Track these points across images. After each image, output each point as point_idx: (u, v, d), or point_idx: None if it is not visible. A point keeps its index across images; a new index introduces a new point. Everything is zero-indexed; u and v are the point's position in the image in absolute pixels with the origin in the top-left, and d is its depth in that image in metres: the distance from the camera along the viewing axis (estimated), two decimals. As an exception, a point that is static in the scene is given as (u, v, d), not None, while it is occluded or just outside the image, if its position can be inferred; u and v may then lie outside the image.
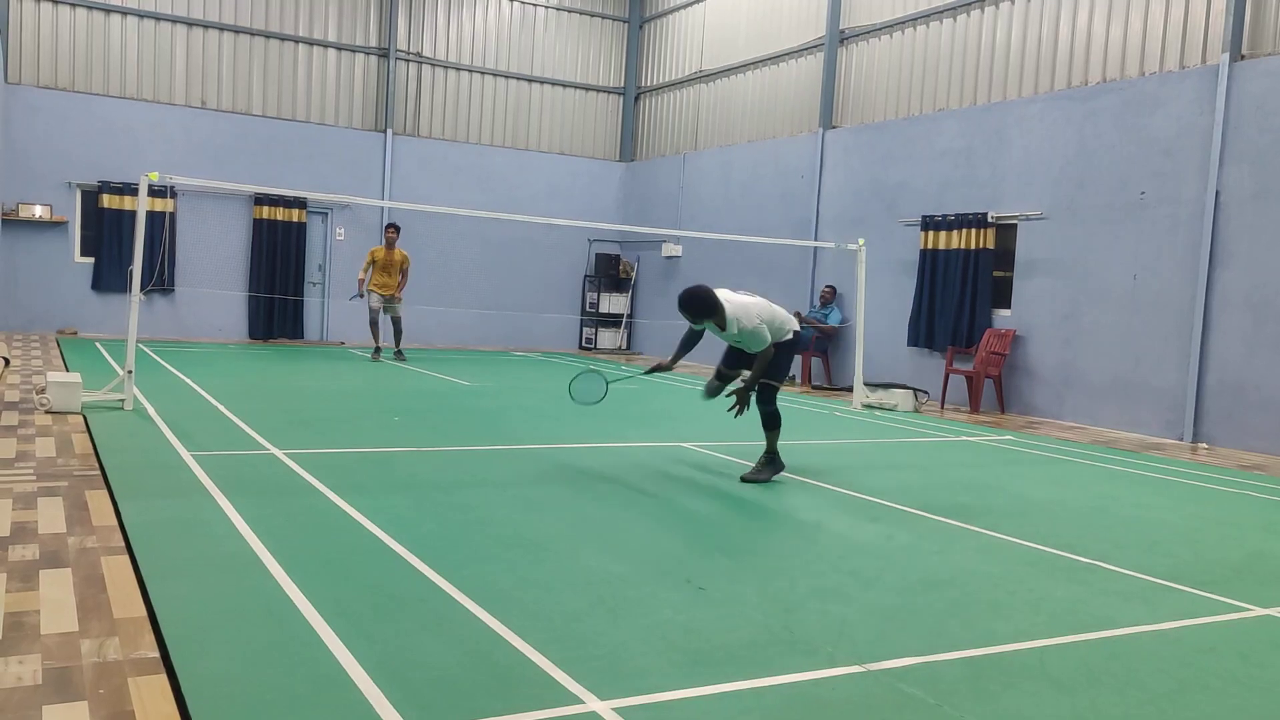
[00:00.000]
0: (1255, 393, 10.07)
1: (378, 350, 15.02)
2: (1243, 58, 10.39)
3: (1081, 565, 5.08)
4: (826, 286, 15.21)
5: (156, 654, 3.22)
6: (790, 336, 7.09)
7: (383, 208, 18.29)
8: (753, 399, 6.91)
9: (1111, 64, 11.71)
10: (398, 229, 14.89)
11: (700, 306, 6.65)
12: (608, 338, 20.26)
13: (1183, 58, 11.00)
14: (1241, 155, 10.26)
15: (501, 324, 19.43)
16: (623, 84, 20.82)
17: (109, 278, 16.27)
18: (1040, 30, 12.56)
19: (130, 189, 16.17)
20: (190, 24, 17.06)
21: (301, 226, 17.76)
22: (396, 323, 15.08)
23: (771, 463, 6.97)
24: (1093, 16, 11.93)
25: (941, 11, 13.91)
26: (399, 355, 15.06)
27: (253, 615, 3.64)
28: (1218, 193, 10.41)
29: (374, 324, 15.05)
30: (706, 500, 6.21)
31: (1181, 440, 10.56)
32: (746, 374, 7.06)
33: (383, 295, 14.78)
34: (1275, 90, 10.03)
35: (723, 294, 6.80)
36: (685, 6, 19.33)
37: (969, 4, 13.51)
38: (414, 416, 9.46)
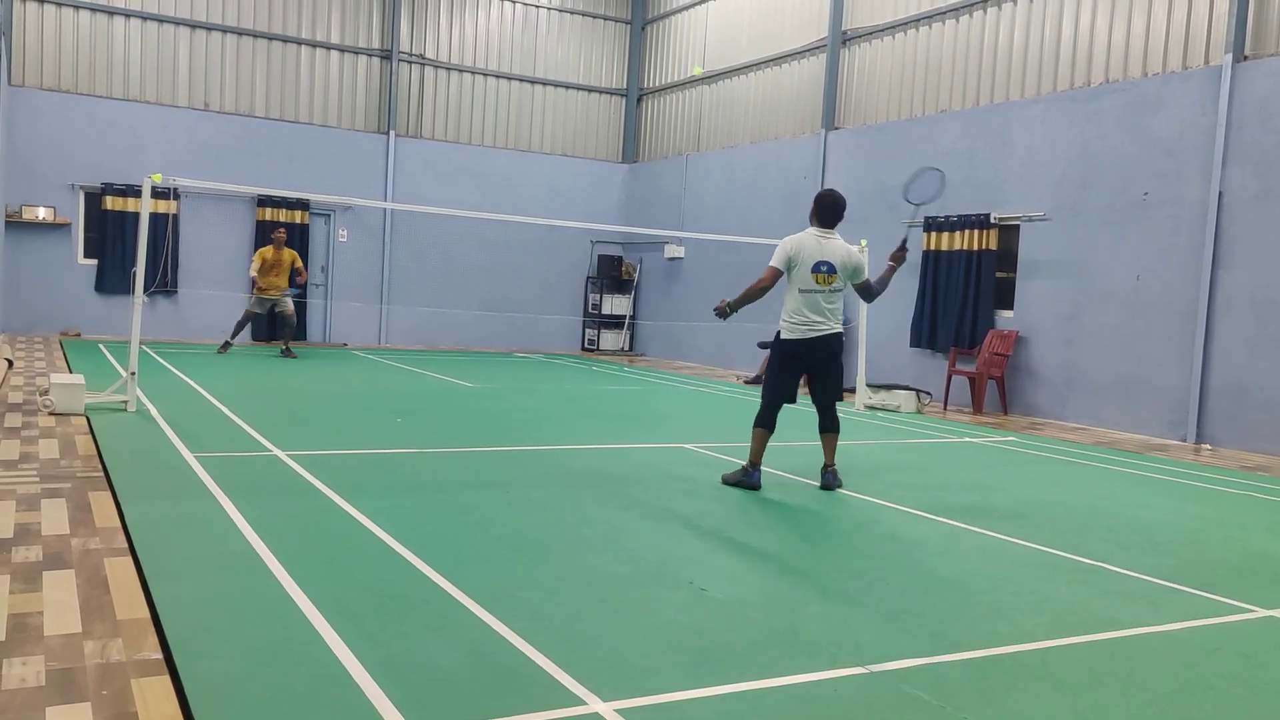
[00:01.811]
0: (1258, 393, 10.05)
1: (228, 345, 14.80)
2: (1245, 58, 10.38)
3: (1084, 566, 5.07)
4: (828, 288, 15.18)
5: (159, 655, 3.22)
6: (784, 334, 6.70)
7: (385, 209, 18.31)
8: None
9: (1114, 65, 11.70)
10: (285, 229, 15.24)
11: (818, 202, 6.89)
12: (610, 339, 20.27)
13: (1185, 58, 10.99)
14: (1244, 156, 10.25)
15: (504, 325, 19.44)
16: (625, 85, 20.82)
17: (112, 279, 16.29)
18: (1043, 31, 12.55)
19: (133, 191, 16.19)
20: (193, 26, 17.09)
21: (304, 228, 17.78)
22: (288, 320, 14.88)
23: (742, 470, 6.70)
24: (1095, 17, 11.92)
25: (944, 12, 13.91)
26: (287, 352, 14.76)
27: (255, 616, 3.65)
28: (1220, 193, 10.40)
29: (246, 321, 14.87)
30: (708, 501, 6.21)
31: (1184, 441, 10.54)
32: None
33: (268, 297, 14.66)
34: (1278, 91, 10.02)
35: (798, 235, 6.80)
36: (687, 8, 19.34)
37: (971, 5, 13.50)
38: (416, 418, 9.46)
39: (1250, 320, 10.16)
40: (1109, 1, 11.77)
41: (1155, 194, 11.04)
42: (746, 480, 6.63)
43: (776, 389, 6.76)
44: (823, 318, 6.65)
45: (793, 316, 6.66)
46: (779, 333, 6.77)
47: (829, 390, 6.84)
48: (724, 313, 6.78)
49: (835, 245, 6.78)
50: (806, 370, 6.86)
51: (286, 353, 14.76)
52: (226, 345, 14.81)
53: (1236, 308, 10.27)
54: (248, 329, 15.81)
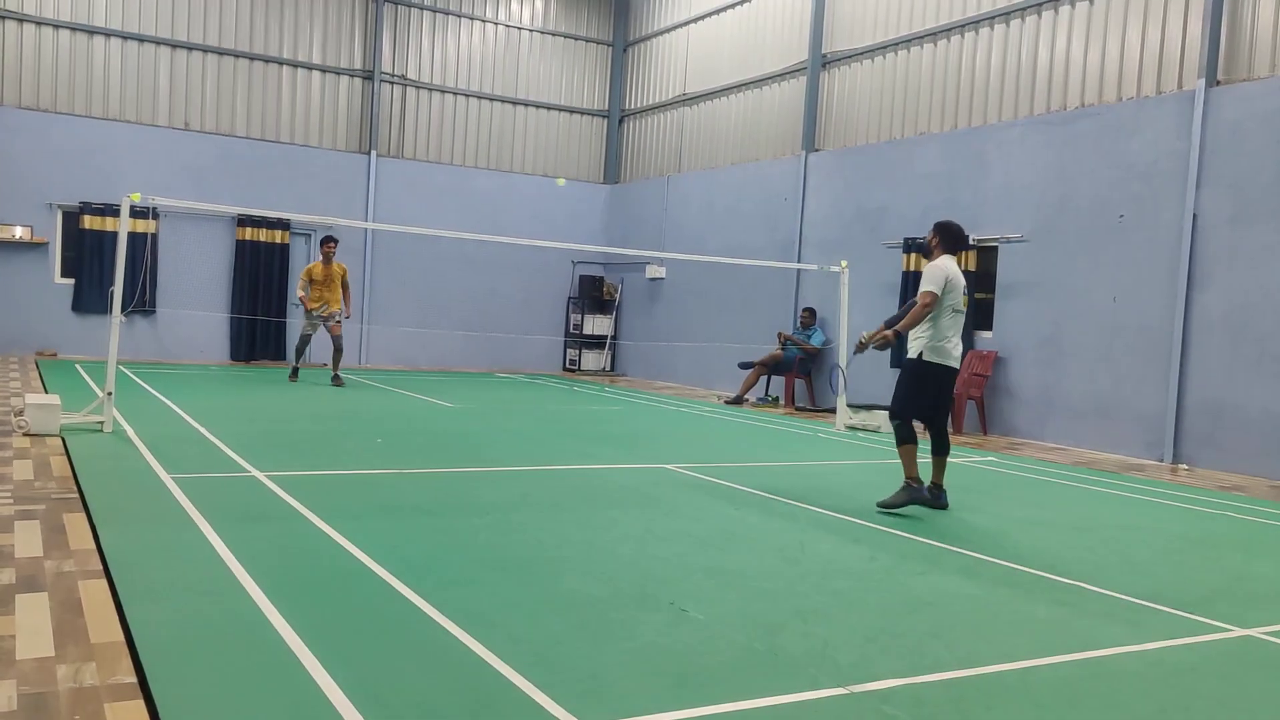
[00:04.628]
0: (1234, 413, 10.15)
1: (295, 371, 14.38)
2: (1219, 83, 10.53)
3: (1063, 586, 5.09)
4: (805, 310, 15.25)
5: (134, 679, 3.18)
6: (933, 358, 6.81)
7: (367, 229, 18.28)
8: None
9: (1090, 89, 11.85)
10: (335, 242, 14.09)
11: (938, 230, 7.06)
12: (591, 359, 20.26)
13: (1159, 83, 11.15)
14: (1218, 179, 10.38)
15: (485, 346, 19.40)
16: (607, 107, 20.92)
17: (89, 299, 16.17)
18: (1020, 55, 12.71)
19: (112, 210, 16.10)
20: (174, 45, 17.06)
21: (284, 248, 17.72)
22: (337, 343, 14.01)
23: (906, 488, 6.83)
24: (1071, 42, 12.08)
25: (923, 36, 14.06)
26: (337, 380, 13.92)
27: (232, 639, 3.61)
28: (1195, 216, 10.53)
29: (304, 344, 14.28)
30: (688, 522, 6.21)
31: (1162, 461, 10.62)
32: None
33: (320, 314, 13.88)
34: (1251, 115, 10.17)
35: (944, 260, 6.92)
36: (669, 30, 19.47)
37: (950, 29, 13.66)
38: (396, 438, 9.42)
39: (1225, 341, 10.27)
40: (1084, 27, 11.93)
41: (1131, 216, 11.17)
42: (916, 497, 6.82)
43: (917, 409, 6.98)
44: (960, 342, 6.99)
45: (945, 337, 6.84)
46: (920, 355, 6.88)
47: (946, 412, 7.18)
48: (883, 344, 7.16)
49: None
50: (936, 391, 6.98)
51: (336, 380, 13.88)
52: (295, 372, 14.37)
53: (1212, 329, 10.38)
54: (292, 349, 14.86)
